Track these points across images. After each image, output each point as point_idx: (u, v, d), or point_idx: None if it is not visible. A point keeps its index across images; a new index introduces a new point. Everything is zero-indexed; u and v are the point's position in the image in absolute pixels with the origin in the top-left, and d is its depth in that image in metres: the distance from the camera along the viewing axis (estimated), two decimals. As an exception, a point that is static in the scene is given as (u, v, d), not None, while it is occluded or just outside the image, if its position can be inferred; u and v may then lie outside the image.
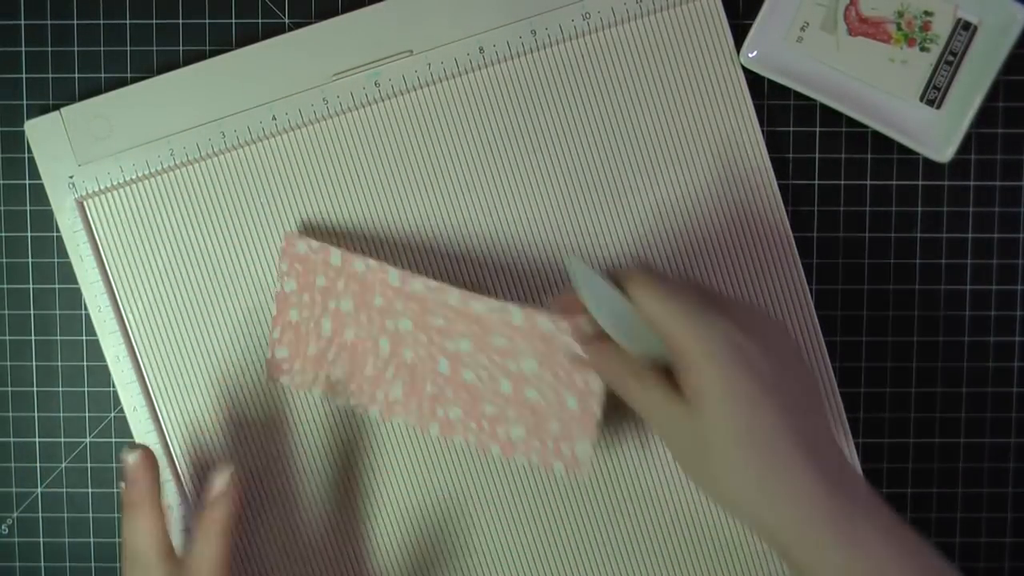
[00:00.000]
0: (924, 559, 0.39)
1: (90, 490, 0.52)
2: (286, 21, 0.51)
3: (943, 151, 0.48)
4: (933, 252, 0.51)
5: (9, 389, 0.52)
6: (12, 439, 0.52)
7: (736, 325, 0.40)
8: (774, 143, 0.51)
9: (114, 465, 0.52)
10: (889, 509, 0.39)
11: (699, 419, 0.39)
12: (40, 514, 0.52)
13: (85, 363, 0.52)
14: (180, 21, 0.51)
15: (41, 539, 0.52)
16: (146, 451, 0.46)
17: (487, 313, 0.47)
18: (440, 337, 0.48)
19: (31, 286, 0.52)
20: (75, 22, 0.51)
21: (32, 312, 0.52)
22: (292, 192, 0.50)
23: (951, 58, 0.49)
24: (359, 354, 0.49)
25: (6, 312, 0.52)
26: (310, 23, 0.50)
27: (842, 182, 0.51)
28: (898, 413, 0.52)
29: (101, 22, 0.51)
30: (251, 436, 0.51)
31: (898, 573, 0.38)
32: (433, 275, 0.50)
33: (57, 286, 0.52)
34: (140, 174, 0.50)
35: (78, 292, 0.51)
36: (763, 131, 0.50)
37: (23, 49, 0.51)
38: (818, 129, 0.51)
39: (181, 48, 0.51)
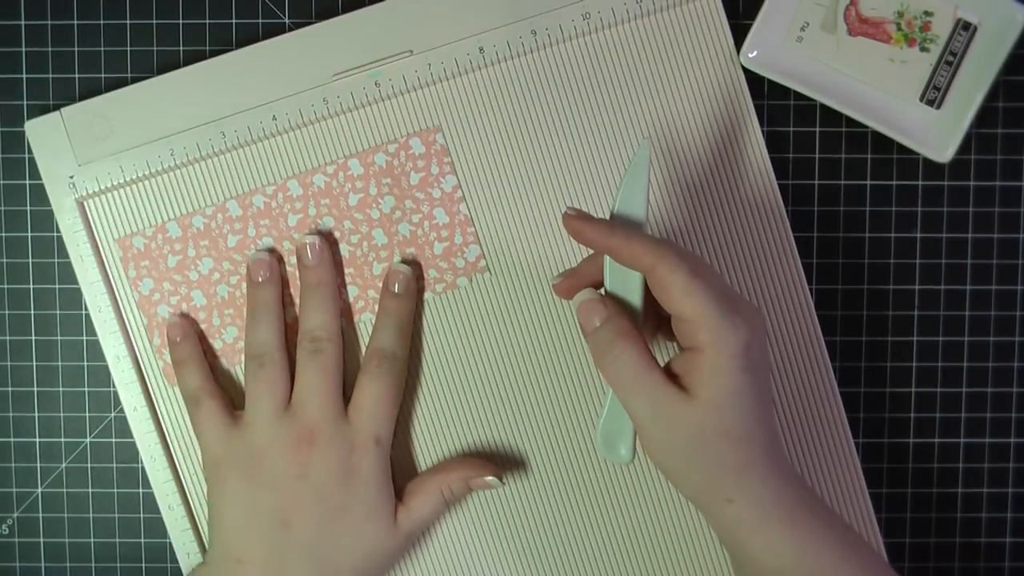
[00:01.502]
0: (866, 557, 0.42)
1: (90, 490, 0.52)
2: (286, 21, 0.51)
3: (943, 151, 0.48)
4: (933, 252, 0.51)
5: (9, 389, 0.52)
6: (12, 439, 0.52)
7: (752, 332, 0.40)
8: (774, 143, 0.51)
9: (114, 465, 0.52)
10: (826, 507, 0.42)
11: (694, 412, 0.40)
12: (40, 514, 0.52)
13: (85, 363, 0.52)
14: (180, 21, 0.51)
15: (41, 539, 0.52)
16: (183, 315, 0.50)
17: (329, 180, 0.50)
18: (300, 233, 0.50)
19: (31, 286, 0.52)
20: (75, 22, 0.51)
21: (32, 312, 0.52)
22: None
23: (951, 58, 0.49)
24: (239, 303, 0.50)
25: (6, 312, 0.52)
26: (310, 23, 0.50)
27: (842, 182, 0.51)
28: (898, 413, 0.52)
29: (101, 22, 0.51)
30: (251, 436, 0.51)
31: (837, 565, 0.41)
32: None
33: (57, 286, 0.52)
34: (140, 174, 0.50)
35: (78, 292, 0.51)
36: (763, 131, 0.50)
37: (23, 49, 0.51)
38: (818, 129, 0.51)
39: (181, 48, 0.51)
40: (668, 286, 0.40)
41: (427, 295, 0.50)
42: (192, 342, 0.50)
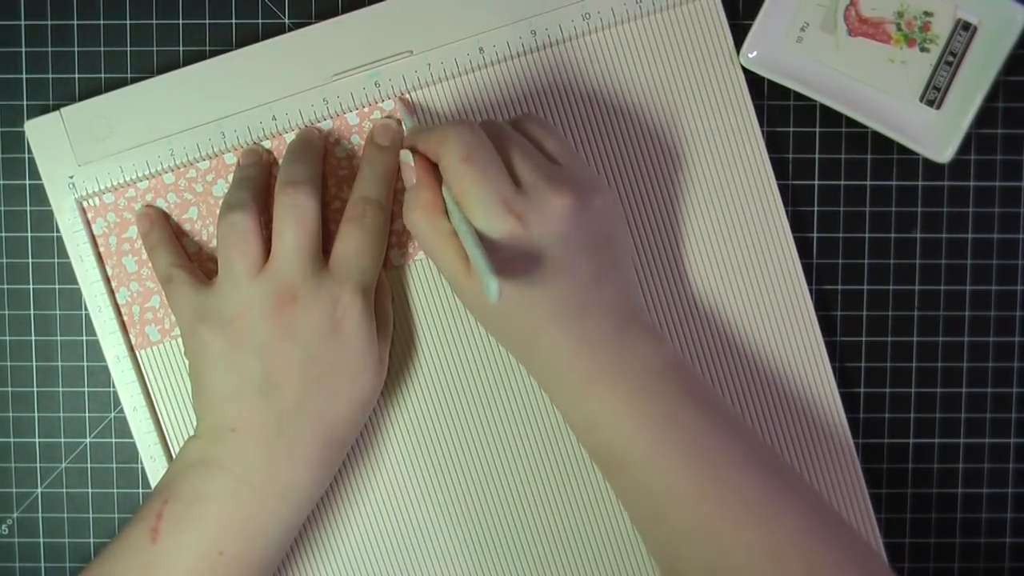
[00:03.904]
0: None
1: (90, 490, 0.52)
2: (286, 21, 0.51)
3: (943, 151, 0.48)
4: (933, 252, 0.51)
5: (9, 389, 0.52)
6: (12, 439, 0.52)
7: (519, 223, 0.42)
8: (774, 143, 0.51)
9: (114, 465, 0.52)
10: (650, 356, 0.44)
11: (475, 285, 0.44)
12: (40, 514, 0.52)
13: (85, 363, 0.52)
14: (180, 21, 0.51)
15: (41, 539, 0.52)
16: (149, 207, 0.50)
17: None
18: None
19: (31, 286, 0.52)
20: (75, 22, 0.51)
21: (32, 312, 0.52)
22: (292, 192, 0.50)
23: (951, 58, 0.49)
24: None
25: (6, 312, 0.52)
26: (310, 23, 0.50)
27: (842, 182, 0.51)
28: (898, 413, 0.52)
29: (101, 22, 0.51)
30: (251, 436, 0.51)
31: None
32: (433, 273, 0.50)
33: (57, 286, 0.52)
34: (140, 174, 0.50)
35: (78, 292, 0.51)
36: (763, 131, 0.50)
37: (23, 49, 0.51)
38: (818, 129, 0.51)
39: (181, 48, 0.51)
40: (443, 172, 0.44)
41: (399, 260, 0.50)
42: (160, 229, 0.49)
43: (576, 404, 0.44)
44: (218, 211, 0.48)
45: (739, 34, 0.50)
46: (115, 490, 0.52)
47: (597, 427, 0.44)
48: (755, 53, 0.50)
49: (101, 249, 0.50)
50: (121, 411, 0.51)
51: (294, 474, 0.45)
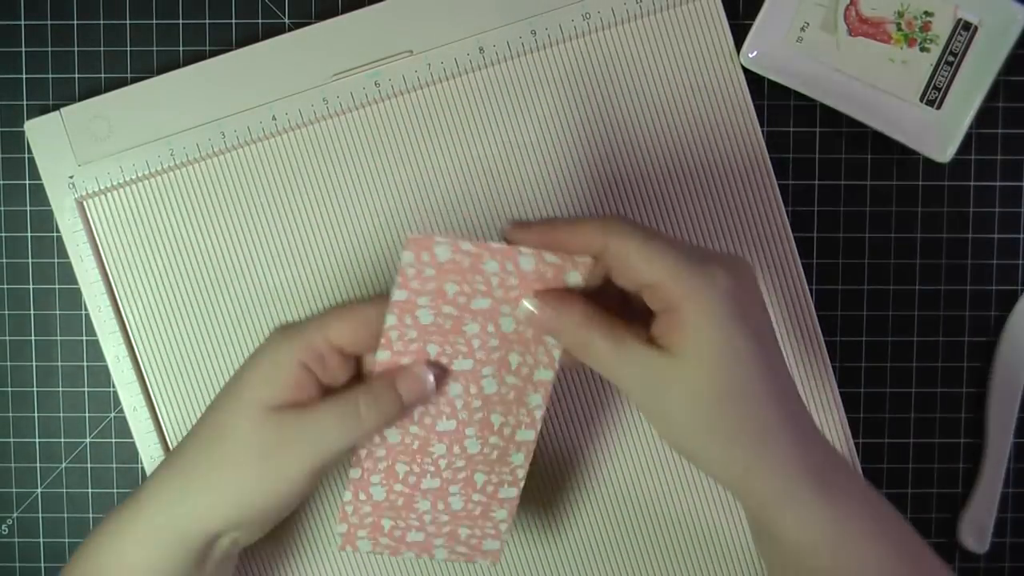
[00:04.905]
0: (898, 525, 0.39)
1: (90, 490, 0.52)
2: (286, 21, 0.51)
3: (943, 151, 0.48)
4: (933, 252, 0.51)
5: (9, 389, 0.52)
6: (12, 439, 0.52)
7: (734, 279, 0.37)
8: (774, 143, 0.51)
9: (114, 465, 0.52)
10: (855, 471, 0.40)
11: (684, 373, 0.36)
12: (40, 514, 0.52)
13: (85, 363, 0.52)
14: (180, 21, 0.51)
15: (41, 539, 0.52)
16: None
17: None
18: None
19: (31, 286, 0.52)
20: (75, 22, 0.51)
21: (32, 312, 0.52)
22: (292, 192, 0.51)
23: (951, 58, 0.49)
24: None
25: (6, 312, 0.52)
26: (310, 23, 0.50)
27: (842, 182, 0.51)
28: (898, 413, 0.52)
29: (101, 22, 0.51)
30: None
31: (874, 536, 0.37)
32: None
33: (57, 286, 0.52)
34: (140, 174, 0.50)
35: (78, 292, 0.51)
36: (763, 131, 0.50)
37: (23, 49, 0.51)
38: (818, 129, 0.51)
39: (181, 48, 0.51)
40: (626, 256, 0.36)
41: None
42: None
43: (809, 514, 0.37)
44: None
45: (739, 34, 0.50)
46: (115, 490, 0.52)
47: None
48: (755, 53, 0.50)
49: (102, 250, 0.51)
50: (121, 411, 0.51)
51: None
